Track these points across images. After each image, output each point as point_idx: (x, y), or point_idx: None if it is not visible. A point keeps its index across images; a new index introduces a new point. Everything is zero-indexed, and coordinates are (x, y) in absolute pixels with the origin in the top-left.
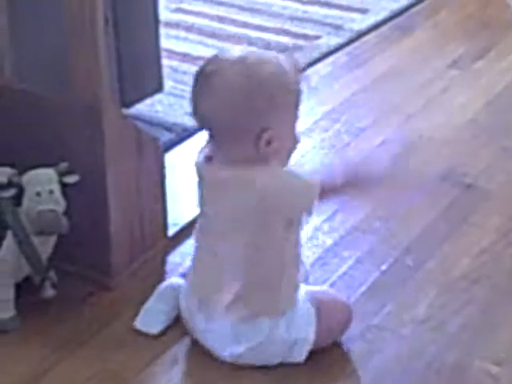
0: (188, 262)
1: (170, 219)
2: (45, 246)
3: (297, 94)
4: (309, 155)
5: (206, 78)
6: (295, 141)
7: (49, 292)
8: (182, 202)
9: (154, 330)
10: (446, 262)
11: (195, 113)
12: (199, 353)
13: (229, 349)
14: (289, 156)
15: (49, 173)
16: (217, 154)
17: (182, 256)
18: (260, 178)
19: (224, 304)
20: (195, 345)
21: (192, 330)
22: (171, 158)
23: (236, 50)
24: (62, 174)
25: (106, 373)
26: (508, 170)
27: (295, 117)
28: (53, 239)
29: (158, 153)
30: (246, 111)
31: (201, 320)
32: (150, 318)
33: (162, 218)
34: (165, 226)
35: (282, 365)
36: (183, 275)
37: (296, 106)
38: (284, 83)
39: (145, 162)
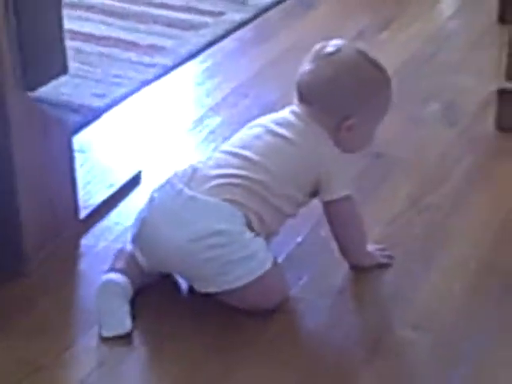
0: (101, 244)
1: (81, 202)
2: None
3: (388, 101)
4: (218, 131)
5: (326, 55)
6: (368, 143)
7: None
8: (93, 183)
9: (125, 328)
10: None
11: (304, 76)
12: (116, 341)
13: (199, 225)
14: (354, 151)
15: None
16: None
17: (95, 238)
18: (324, 148)
19: (222, 182)
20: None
21: (155, 221)
22: (79, 140)
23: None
24: None
25: (23, 360)
26: (416, 138)
27: (379, 121)
28: None
29: (66, 135)
30: (348, 93)
31: (183, 196)
32: (113, 320)
33: (73, 201)
34: (76, 209)
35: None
36: (115, 270)
37: (384, 112)
38: (384, 87)
39: (53, 144)
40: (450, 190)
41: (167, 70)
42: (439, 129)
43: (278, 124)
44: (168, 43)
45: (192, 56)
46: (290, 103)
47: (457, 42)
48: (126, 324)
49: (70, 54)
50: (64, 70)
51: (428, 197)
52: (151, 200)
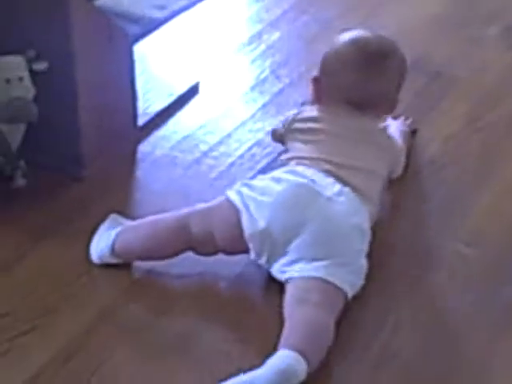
0: (158, 152)
1: (140, 109)
2: (14, 135)
3: None
4: (276, 46)
5: (383, 59)
6: None
7: (19, 181)
8: (152, 92)
9: None
10: (415, 147)
11: (369, 89)
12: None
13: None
14: None
15: (18, 60)
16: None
17: (153, 145)
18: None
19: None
20: None
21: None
22: (139, 50)
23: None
24: (30, 61)
25: (78, 260)
26: (474, 58)
27: None
28: (22, 128)
29: (128, 42)
30: (399, 86)
31: (329, 190)
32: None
33: (132, 108)
34: (135, 116)
35: None
36: None
37: None
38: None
39: (114, 51)
40: (506, 110)
41: None
42: (498, 50)
43: (363, 132)
44: None
45: None
46: (348, 21)
47: None
48: None
49: None
50: None
51: (485, 116)
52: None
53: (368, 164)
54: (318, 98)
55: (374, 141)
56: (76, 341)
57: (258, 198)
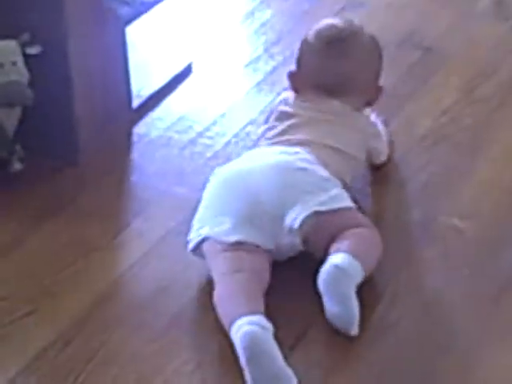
0: (153, 133)
1: (134, 91)
2: (10, 119)
3: None
4: (269, 24)
5: (342, 41)
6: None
7: (16, 166)
8: (145, 74)
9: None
10: (407, 123)
11: (332, 72)
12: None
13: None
14: None
15: (11, 44)
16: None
17: (147, 127)
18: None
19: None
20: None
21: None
22: (131, 32)
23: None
24: (24, 45)
25: (79, 241)
26: (466, 32)
27: None
28: (17, 112)
29: (120, 24)
30: (376, 69)
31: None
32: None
33: (126, 91)
34: (129, 98)
35: None
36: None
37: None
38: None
39: (107, 34)
40: (499, 82)
41: None
42: (490, 24)
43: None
44: None
45: None
46: None
47: None
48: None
49: None
50: None
51: (478, 90)
52: None
53: (338, 143)
54: (295, 92)
55: (346, 122)
56: (75, 324)
57: (199, 217)
